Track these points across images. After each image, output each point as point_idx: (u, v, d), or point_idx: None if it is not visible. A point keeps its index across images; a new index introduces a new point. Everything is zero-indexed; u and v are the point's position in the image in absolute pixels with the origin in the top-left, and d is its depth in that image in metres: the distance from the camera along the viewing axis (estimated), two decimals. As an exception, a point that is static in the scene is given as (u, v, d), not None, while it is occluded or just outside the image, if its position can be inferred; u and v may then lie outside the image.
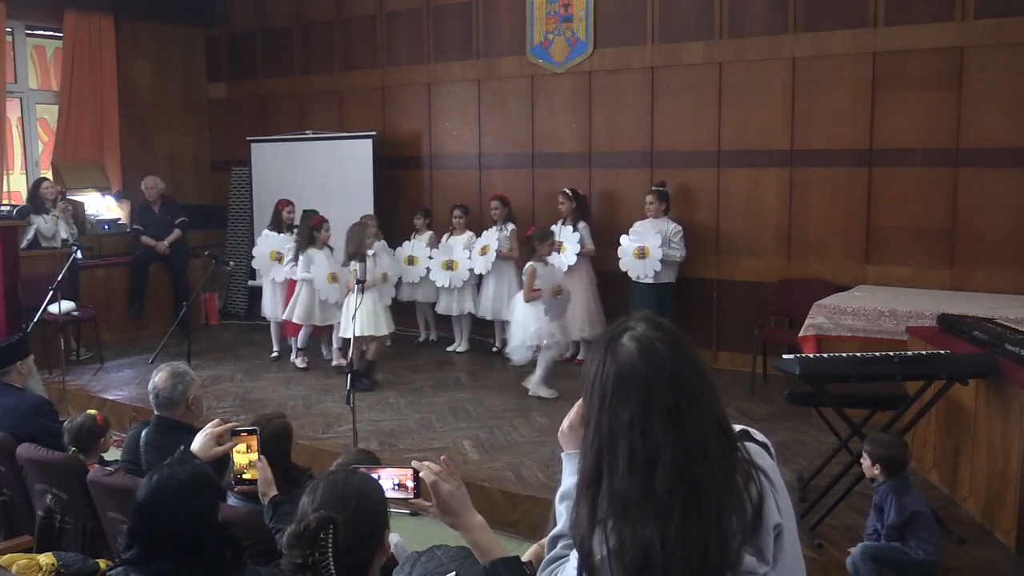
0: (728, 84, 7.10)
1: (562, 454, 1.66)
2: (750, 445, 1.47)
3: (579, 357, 7.24)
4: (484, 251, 7.54)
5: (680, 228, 6.95)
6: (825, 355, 4.34)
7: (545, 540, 1.69)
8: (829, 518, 4.08)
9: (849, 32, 6.55)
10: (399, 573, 2.09)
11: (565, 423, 1.65)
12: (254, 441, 2.83)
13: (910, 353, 4.25)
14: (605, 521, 1.37)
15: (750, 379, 6.45)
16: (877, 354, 4.13)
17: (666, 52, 7.36)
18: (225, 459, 3.32)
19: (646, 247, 6.78)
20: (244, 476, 2.85)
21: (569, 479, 1.61)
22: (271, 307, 7.73)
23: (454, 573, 1.97)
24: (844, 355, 4.15)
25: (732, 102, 7.09)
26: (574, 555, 1.45)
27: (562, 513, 1.61)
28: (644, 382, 1.38)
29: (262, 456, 2.85)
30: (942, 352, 4.13)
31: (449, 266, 7.68)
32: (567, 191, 7.32)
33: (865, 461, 3.75)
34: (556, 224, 7.23)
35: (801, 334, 5.79)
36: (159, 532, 2.24)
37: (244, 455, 2.85)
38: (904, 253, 6.50)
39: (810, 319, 5.77)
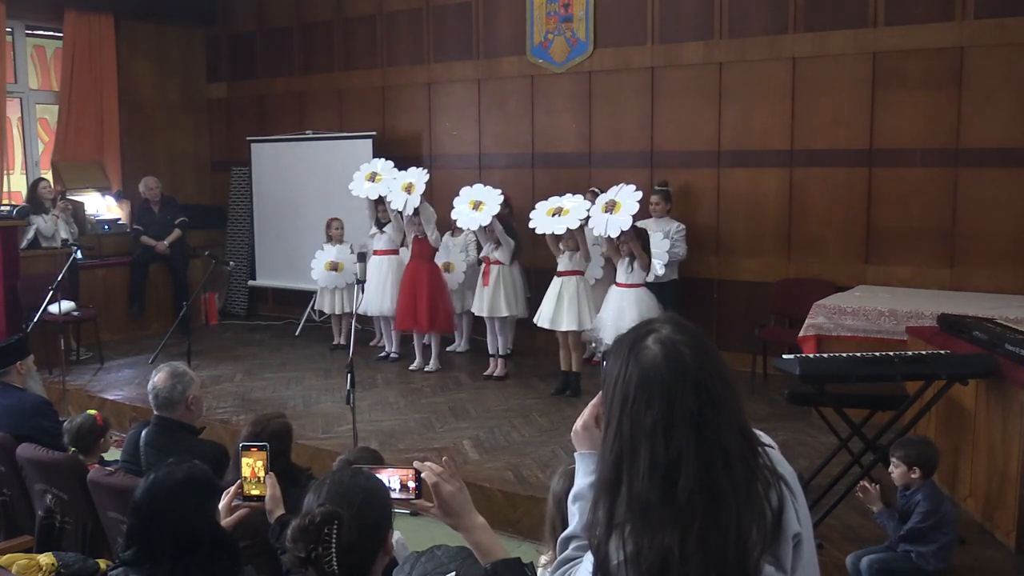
0: (728, 84, 7.10)
1: (575, 454, 1.64)
2: (771, 452, 1.45)
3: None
4: None
5: (683, 227, 6.96)
6: (825, 355, 4.34)
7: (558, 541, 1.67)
8: (829, 518, 4.08)
9: (849, 32, 6.55)
10: (399, 573, 2.08)
11: (579, 423, 1.62)
12: (263, 456, 2.73)
13: (910, 353, 4.25)
14: (623, 526, 1.34)
15: (750, 379, 6.45)
16: (877, 354, 4.13)
17: (666, 52, 7.35)
18: (224, 460, 3.33)
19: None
20: (252, 492, 2.73)
21: (583, 479, 1.59)
22: (377, 302, 7.59)
23: (454, 573, 1.97)
24: (844, 355, 4.15)
25: (732, 102, 7.08)
26: (588, 557, 1.43)
27: (575, 514, 1.59)
28: (668, 386, 1.35)
29: (271, 473, 2.75)
30: (942, 352, 4.13)
31: (446, 268, 7.56)
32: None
33: (898, 468, 3.67)
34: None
35: (801, 334, 5.79)
36: (156, 532, 2.25)
37: (251, 468, 2.74)
38: (904, 253, 6.50)
39: (810, 319, 5.77)
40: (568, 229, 6.39)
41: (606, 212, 6.20)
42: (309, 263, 8.27)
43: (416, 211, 7.17)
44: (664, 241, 6.77)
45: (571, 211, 6.40)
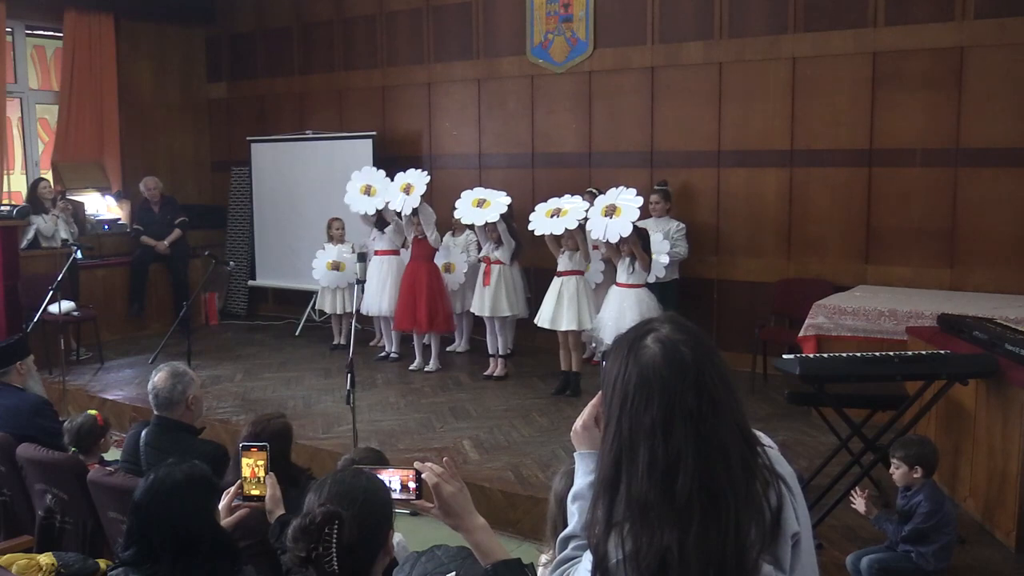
0: (728, 84, 7.10)
1: (575, 453, 1.64)
2: (771, 451, 1.45)
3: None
4: None
5: (683, 225, 6.97)
6: (825, 355, 4.34)
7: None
8: (829, 518, 4.08)
9: (849, 32, 6.55)
10: (399, 573, 2.08)
11: (579, 422, 1.63)
12: (263, 457, 2.73)
13: (910, 353, 4.25)
14: (622, 524, 1.35)
15: (750, 379, 6.45)
16: (877, 354, 4.13)
17: (666, 52, 7.36)
18: (224, 460, 3.33)
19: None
20: (252, 492, 2.73)
21: (582, 479, 1.59)
22: (377, 302, 7.62)
23: (454, 573, 1.97)
24: (844, 355, 4.15)
25: (732, 102, 7.08)
26: (587, 557, 1.43)
27: (574, 513, 1.60)
28: (667, 386, 1.35)
29: (271, 473, 2.74)
30: (942, 352, 4.13)
31: (447, 269, 7.58)
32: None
33: (900, 468, 3.66)
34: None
35: (801, 334, 5.79)
36: (156, 532, 2.25)
37: (251, 468, 2.73)
38: (904, 253, 6.50)
39: (810, 319, 5.77)
40: (567, 229, 6.39)
41: (606, 216, 6.20)
42: (309, 263, 8.29)
43: (415, 211, 7.17)
44: (664, 242, 6.77)
45: (569, 212, 6.41)
